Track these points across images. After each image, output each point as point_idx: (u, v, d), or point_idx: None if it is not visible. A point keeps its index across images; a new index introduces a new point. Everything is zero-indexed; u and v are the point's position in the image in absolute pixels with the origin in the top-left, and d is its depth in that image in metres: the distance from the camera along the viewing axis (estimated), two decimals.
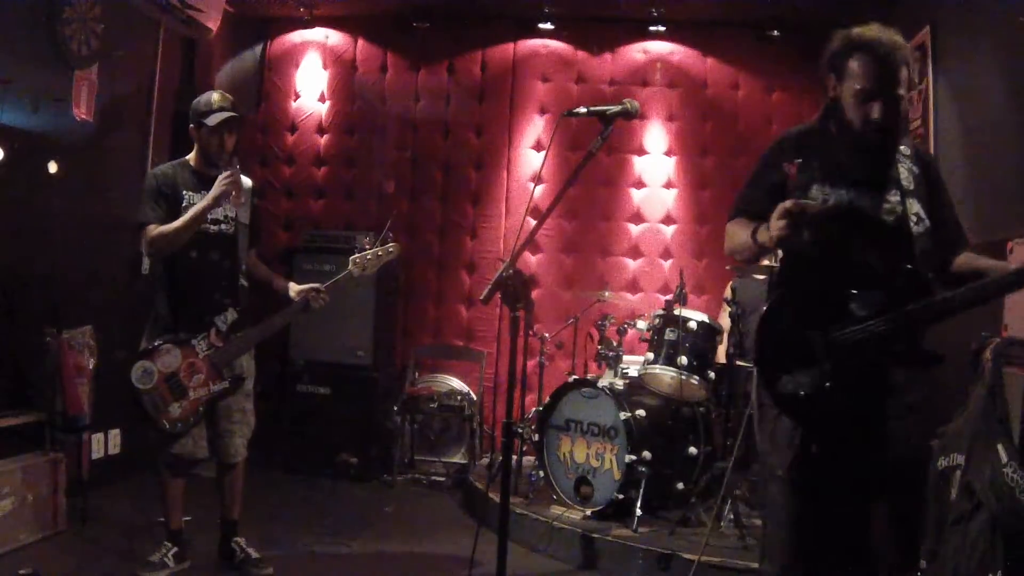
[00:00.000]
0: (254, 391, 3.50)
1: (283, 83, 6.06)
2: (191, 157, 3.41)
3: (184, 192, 3.31)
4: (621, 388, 4.30)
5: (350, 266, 3.42)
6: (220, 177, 3.23)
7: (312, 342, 5.26)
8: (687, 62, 5.81)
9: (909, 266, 2.04)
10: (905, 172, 2.08)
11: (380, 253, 3.44)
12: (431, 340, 5.87)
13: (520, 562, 3.74)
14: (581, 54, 5.87)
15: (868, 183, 2.15)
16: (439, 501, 4.89)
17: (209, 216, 3.31)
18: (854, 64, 2.13)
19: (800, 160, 2.21)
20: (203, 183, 3.35)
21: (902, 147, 2.15)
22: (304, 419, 5.22)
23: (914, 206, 2.10)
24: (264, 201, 5.14)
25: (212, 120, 3.30)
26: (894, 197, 2.13)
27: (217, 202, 3.23)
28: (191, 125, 3.37)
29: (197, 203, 3.28)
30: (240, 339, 3.32)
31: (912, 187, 2.09)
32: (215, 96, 3.37)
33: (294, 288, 3.47)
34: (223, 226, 3.38)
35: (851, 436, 2.09)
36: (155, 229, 3.23)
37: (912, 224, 2.11)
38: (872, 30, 2.12)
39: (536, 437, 4.33)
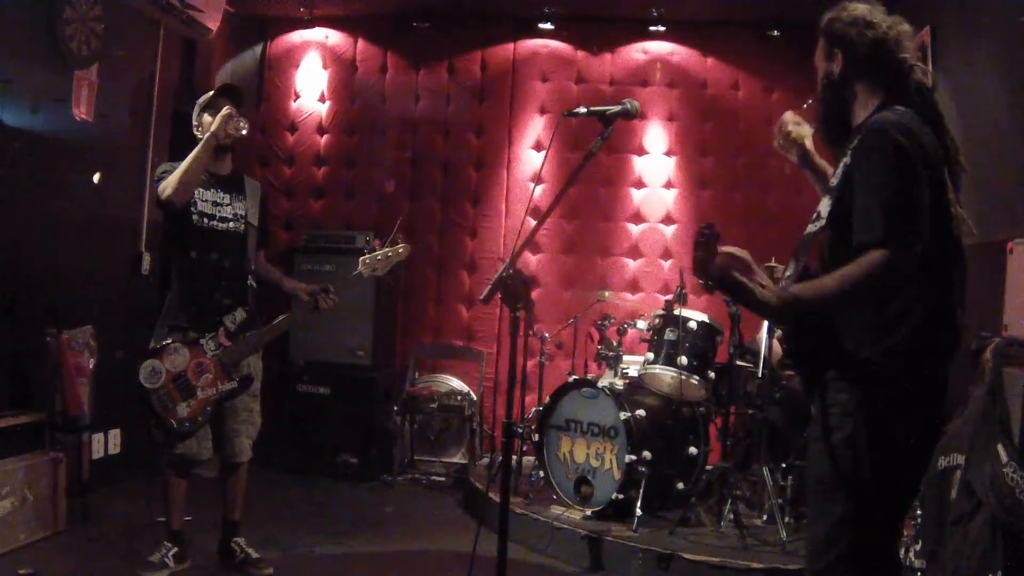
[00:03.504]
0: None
1: (283, 83, 6.07)
2: None
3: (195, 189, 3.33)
4: (621, 388, 4.30)
5: (360, 267, 3.40)
6: (222, 113, 3.26)
7: (312, 342, 5.26)
8: (687, 62, 5.81)
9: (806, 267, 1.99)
10: (840, 167, 1.98)
11: (390, 253, 3.42)
12: (431, 340, 5.87)
13: (520, 562, 3.75)
14: (581, 54, 5.87)
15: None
16: (439, 501, 4.89)
17: (218, 215, 3.34)
18: None
19: None
20: (211, 182, 3.37)
21: (855, 139, 1.98)
22: (304, 419, 5.22)
23: (822, 203, 2.01)
24: None
25: (204, 98, 3.37)
26: (823, 191, 2.08)
27: (217, 132, 3.23)
28: (195, 124, 3.40)
29: (206, 199, 3.33)
30: (248, 339, 3.32)
31: (835, 182, 1.98)
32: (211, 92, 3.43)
33: (304, 288, 3.47)
34: (232, 225, 3.40)
35: None
36: (166, 179, 3.23)
37: (810, 222, 2.05)
38: None
39: (536, 437, 4.33)
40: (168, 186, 3.20)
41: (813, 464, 1.98)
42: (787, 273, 1.99)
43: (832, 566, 1.88)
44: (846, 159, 1.95)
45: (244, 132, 3.35)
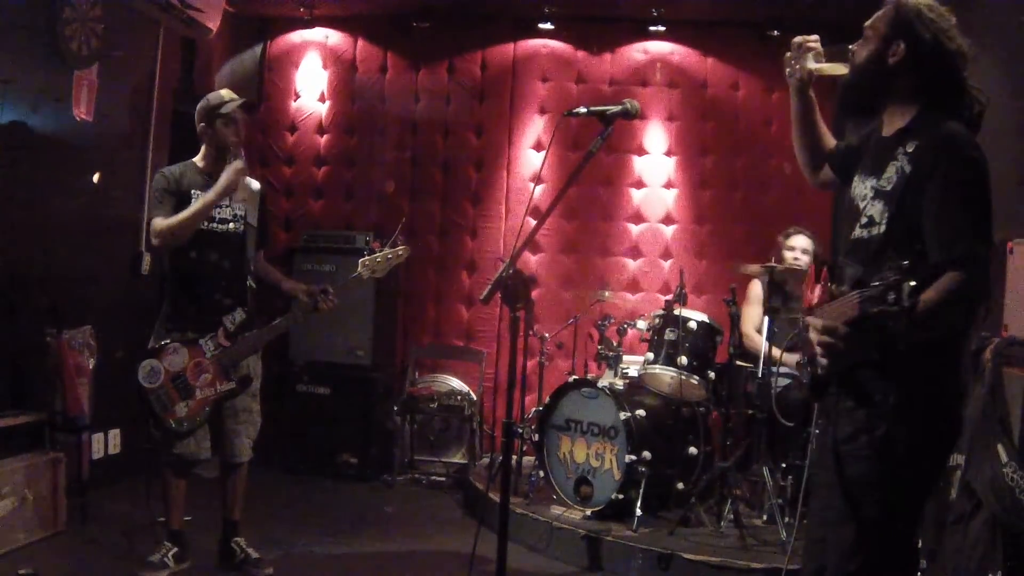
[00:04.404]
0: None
1: (283, 83, 6.06)
2: (198, 158, 3.42)
3: (193, 192, 3.33)
4: (621, 388, 4.31)
5: (359, 268, 3.39)
6: (229, 167, 3.25)
7: (312, 342, 5.26)
8: (687, 62, 5.81)
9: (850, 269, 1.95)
10: (892, 171, 1.93)
11: (390, 255, 3.41)
12: (431, 340, 5.87)
13: (520, 562, 3.74)
14: (581, 54, 5.86)
15: (871, 172, 2.04)
16: (439, 501, 4.89)
17: (217, 216, 3.34)
18: None
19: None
20: (211, 183, 3.36)
21: (909, 144, 1.94)
22: (304, 419, 5.22)
23: (873, 207, 1.96)
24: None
25: (228, 108, 3.34)
26: (870, 194, 2.01)
27: (225, 192, 3.25)
28: (202, 124, 3.37)
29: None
30: (247, 340, 3.31)
31: (888, 188, 1.93)
32: (224, 92, 3.42)
33: (303, 289, 3.47)
34: (231, 226, 3.39)
35: None
36: (163, 221, 3.24)
37: (858, 226, 1.99)
38: None
39: (536, 437, 4.33)
40: (161, 234, 3.23)
41: (840, 465, 1.94)
42: (849, 273, 1.95)
43: (864, 567, 1.87)
44: (900, 164, 1.91)
45: (246, 198, 3.36)
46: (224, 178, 3.24)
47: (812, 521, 2.12)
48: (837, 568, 1.93)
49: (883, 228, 1.92)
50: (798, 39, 2.20)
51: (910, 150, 1.91)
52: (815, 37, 2.18)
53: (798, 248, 4.45)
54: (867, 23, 2.05)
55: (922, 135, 1.92)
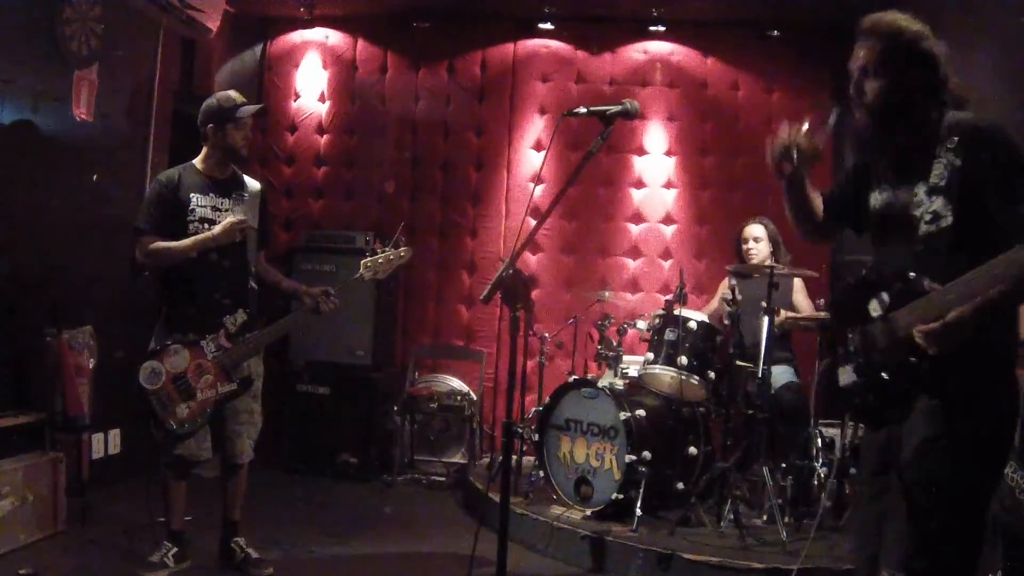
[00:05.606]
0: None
1: (283, 83, 6.06)
2: (198, 160, 3.42)
3: (191, 195, 3.33)
4: (621, 388, 4.31)
5: (361, 270, 3.39)
6: (230, 219, 3.29)
7: (312, 342, 5.26)
8: (687, 62, 5.81)
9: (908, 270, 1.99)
10: (941, 168, 1.98)
11: (392, 257, 3.41)
12: (431, 340, 5.87)
13: (520, 562, 3.74)
14: (581, 54, 5.87)
15: (908, 180, 2.08)
16: (439, 501, 4.89)
17: (219, 220, 3.35)
18: None
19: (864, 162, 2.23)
20: (211, 186, 3.37)
21: (948, 140, 1.99)
22: (304, 419, 5.22)
23: (934, 203, 1.99)
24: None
25: (243, 112, 3.34)
26: (924, 195, 2.03)
27: (222, 240, 3.27)
28: (210, 125, 3.36)
29: (205, 204, 3.34)
30: (249, 341, 3.31)
31: (943, 183, 1.97)
32: (232, 93, 3.41)
33: (304, 291, 3.47)
34: None
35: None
36: (152, 240, 3.28)
37: (923, 223, 2.01)
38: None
39: (536, 437, 4.33)
40: (151, 256, 3.30)
41: (918, 462, 1.94)
42: (927, 266, 1.98)
43: (941, 563, 1.89)
44: (948, 159, 1.97)
45: (238, 239, 3.37)
46: (222, 228, 3.27)
47: (869, 527, 2.09)
48: (905, 567, 1.93)
49: (951, 219, 1.97)
50: (784, 140, 2.30)
51: (951, 146, 1.98)
52: (800, 129, 2.28)
53: (751, 238, 4.63)
54: (860, 63, 2.11)
55: (954, 131, 1.99)
